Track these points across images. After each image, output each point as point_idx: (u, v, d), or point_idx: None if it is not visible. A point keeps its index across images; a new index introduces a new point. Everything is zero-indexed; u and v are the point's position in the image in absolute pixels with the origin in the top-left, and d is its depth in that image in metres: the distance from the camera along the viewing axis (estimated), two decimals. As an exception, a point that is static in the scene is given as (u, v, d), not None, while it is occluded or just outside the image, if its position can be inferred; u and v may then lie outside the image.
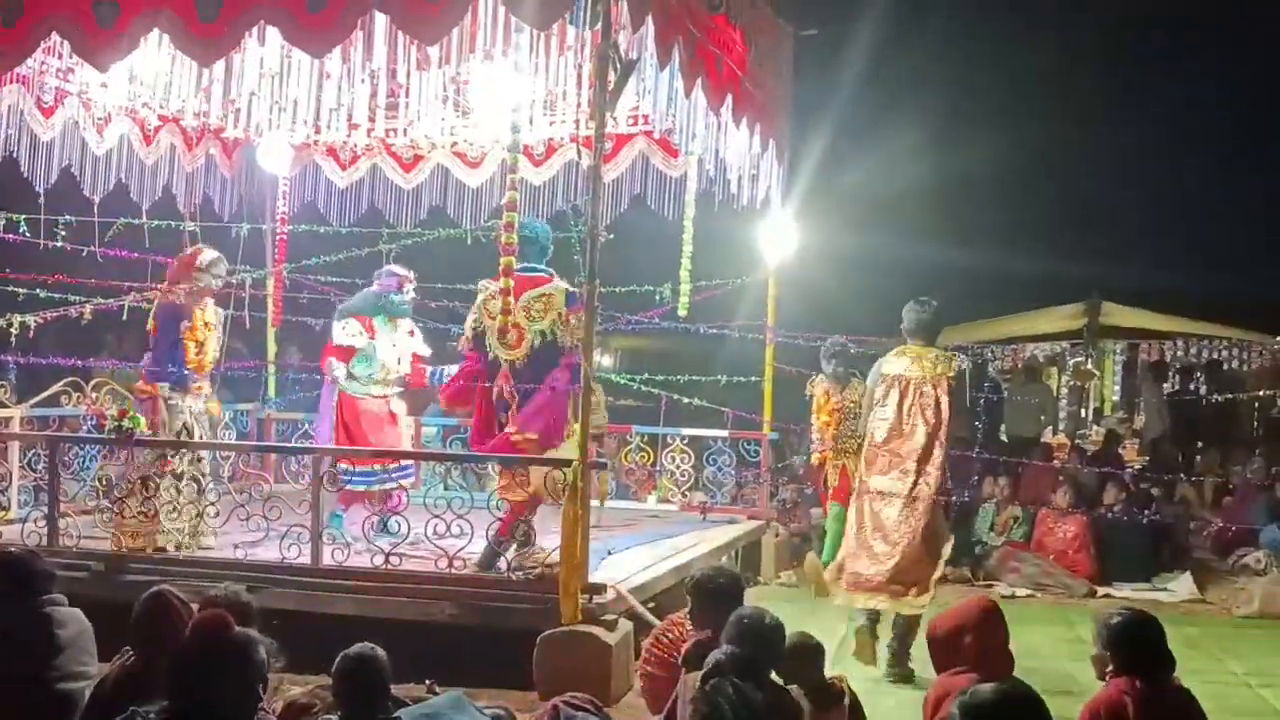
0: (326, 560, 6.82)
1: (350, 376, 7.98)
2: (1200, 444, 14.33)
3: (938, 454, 6.96)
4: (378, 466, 7.84)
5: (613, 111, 6.98)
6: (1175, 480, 11.77)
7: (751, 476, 10.56)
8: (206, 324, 7.74)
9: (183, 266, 7.77)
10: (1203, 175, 19.29)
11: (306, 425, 10.02)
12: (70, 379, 8.53)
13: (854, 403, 8.95)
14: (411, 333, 8.30)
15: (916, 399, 7.01)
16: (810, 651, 4.84)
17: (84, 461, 8.14)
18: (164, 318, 7.65)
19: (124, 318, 8.43)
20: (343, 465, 7.57)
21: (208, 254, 7.81)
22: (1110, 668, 4.31)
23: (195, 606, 4.58)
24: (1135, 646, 4.27)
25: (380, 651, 4.19)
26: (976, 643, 4.60)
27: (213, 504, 7.46)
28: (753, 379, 10.11)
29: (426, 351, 8.25)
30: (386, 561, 6.73)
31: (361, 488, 7.80)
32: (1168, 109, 19.21)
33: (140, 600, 4.66)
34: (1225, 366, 15.61)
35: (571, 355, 6.74)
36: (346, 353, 7.97)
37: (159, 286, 8.08)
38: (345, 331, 7.99)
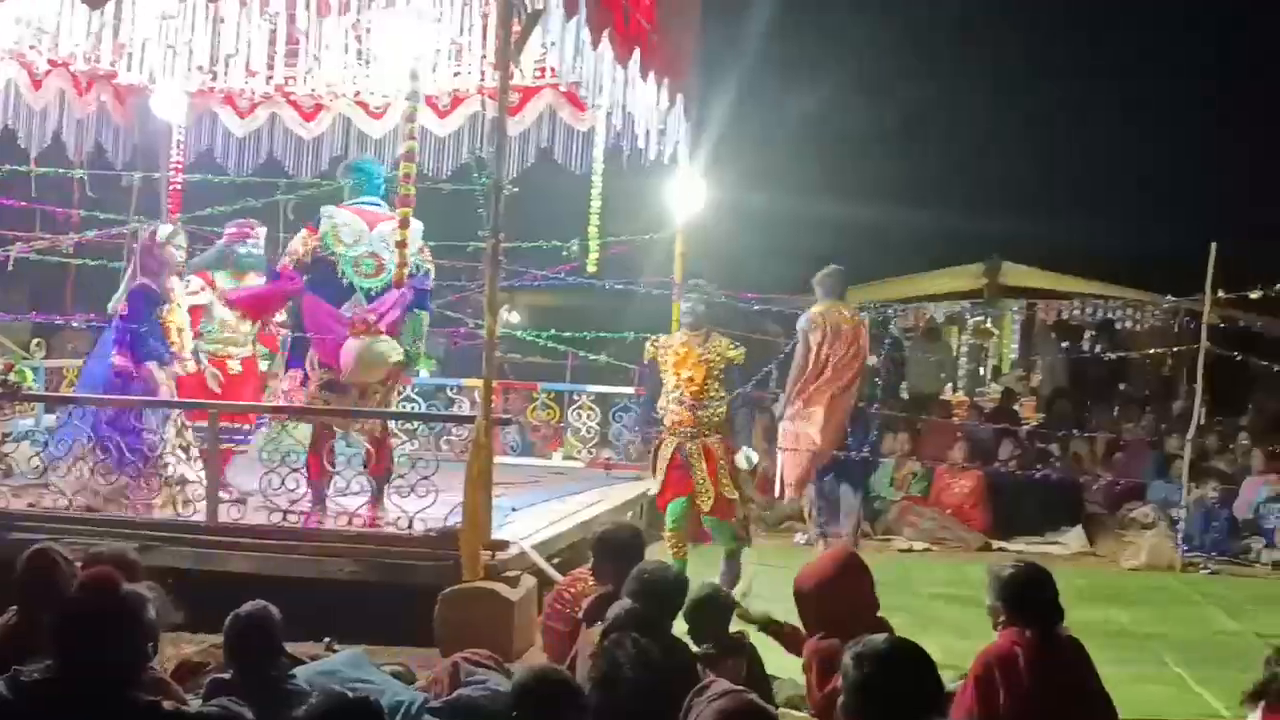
0: (222, 518, 6.69)
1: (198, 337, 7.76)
2: (1093, 402, 14.71)
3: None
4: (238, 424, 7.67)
5: (518, 63, 6.91)
6: (1069, 437, 12.06)
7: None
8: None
9: (146, 251, 7.38)
10: (1098, 137, 19.67)
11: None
12: (-48, 332, 8.25)
13: (720, 357, 7.58)
14: None
15: (836, 340, 8.29)
16: (718, 604, 4.89)
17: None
18: (137, 302, 7.26)
19: (9, 268, 8.15)
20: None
21: (164, 229, 7.50)
22: (1002, 618, 4.42)
23: (79, 565, 4.47)
24: (1026, 597, 4.37)
25: (272, 609, 4.13)
26: (839, 595, 4.66)
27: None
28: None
29: None
30: (284, 519, 6.63)
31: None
32: (1066, 70, 19.51)
33: (22, 558, 4.54)
34: (1118, 326, 16.03)
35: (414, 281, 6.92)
36: (195, 311, 7.74)
37: (53, 239, 7.77)
38: (188, 290, 7.74)
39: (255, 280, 7.90)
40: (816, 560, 5.05)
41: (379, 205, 7.09)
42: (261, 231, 8.07)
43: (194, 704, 3.88)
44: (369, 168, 7.31)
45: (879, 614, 4.74)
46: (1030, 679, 4.21)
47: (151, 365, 7.14)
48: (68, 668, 3.48)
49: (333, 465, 6.92)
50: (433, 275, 7.32)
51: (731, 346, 7.66)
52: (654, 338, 7.95)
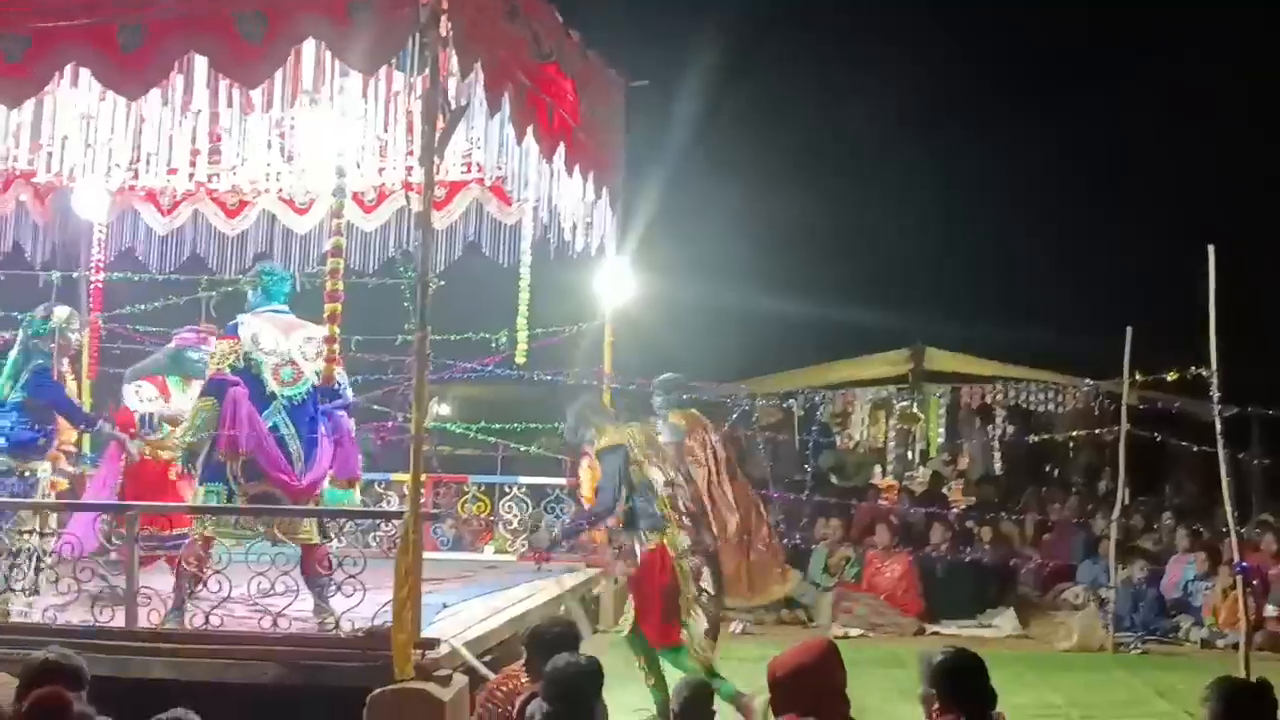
0: (142, 622, 6.49)
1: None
2: (1020, 484, 14.89)
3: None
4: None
5: (441, 158, 6.93)
6: (998, 519, 12.16)
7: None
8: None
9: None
10: (1016, 223, 20.13)
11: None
12: None
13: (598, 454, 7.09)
14: None
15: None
16: (700, 697, 4.97)
17: None
18: (44, 382, 7.20)
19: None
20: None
21: (60, 310, 7.41)
22: (936, 706, 4.41)
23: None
24: (958, 683, 4.37)
25: (193, 716, 4.00)
26: (815, 684, 4.62)
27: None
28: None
29: None
30: (206, 622, 6.45)
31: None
32: (982, 157, 19.99)
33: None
34: (1041, 409, 16.30)
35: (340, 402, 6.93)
36: (127, 416, 7.67)
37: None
38: (140, 396, 7.64)
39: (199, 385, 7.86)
40: (796, 646, 4.99)
41: (288, 312, 7.04)
42: (213, 340, 7.99)
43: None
44: (278, 273, 7.24)
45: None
46: (966, 766, 4.19)
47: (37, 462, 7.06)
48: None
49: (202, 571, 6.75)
50: (350, 390, 7.19)
51: (599, 435, 7.05)
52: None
